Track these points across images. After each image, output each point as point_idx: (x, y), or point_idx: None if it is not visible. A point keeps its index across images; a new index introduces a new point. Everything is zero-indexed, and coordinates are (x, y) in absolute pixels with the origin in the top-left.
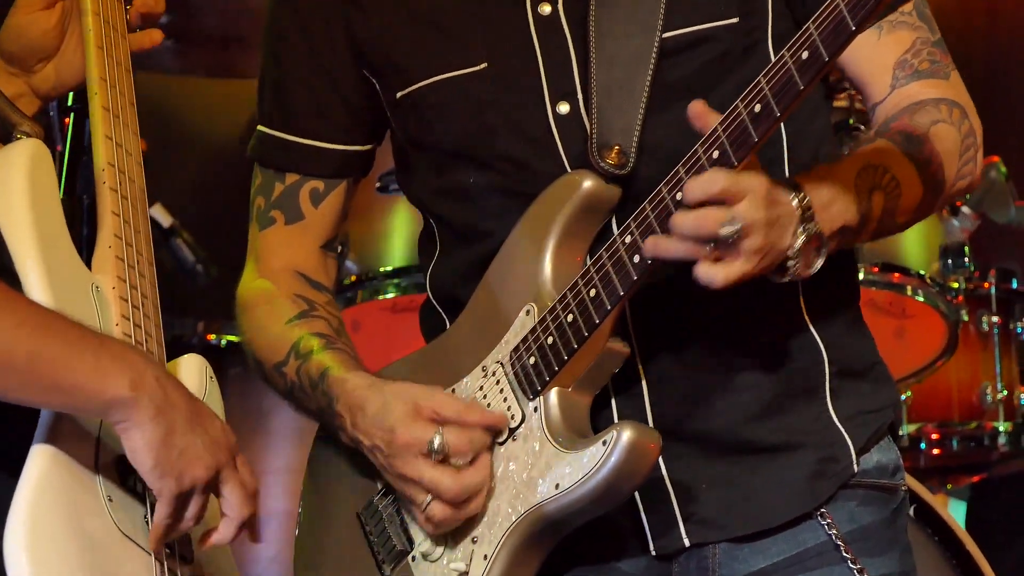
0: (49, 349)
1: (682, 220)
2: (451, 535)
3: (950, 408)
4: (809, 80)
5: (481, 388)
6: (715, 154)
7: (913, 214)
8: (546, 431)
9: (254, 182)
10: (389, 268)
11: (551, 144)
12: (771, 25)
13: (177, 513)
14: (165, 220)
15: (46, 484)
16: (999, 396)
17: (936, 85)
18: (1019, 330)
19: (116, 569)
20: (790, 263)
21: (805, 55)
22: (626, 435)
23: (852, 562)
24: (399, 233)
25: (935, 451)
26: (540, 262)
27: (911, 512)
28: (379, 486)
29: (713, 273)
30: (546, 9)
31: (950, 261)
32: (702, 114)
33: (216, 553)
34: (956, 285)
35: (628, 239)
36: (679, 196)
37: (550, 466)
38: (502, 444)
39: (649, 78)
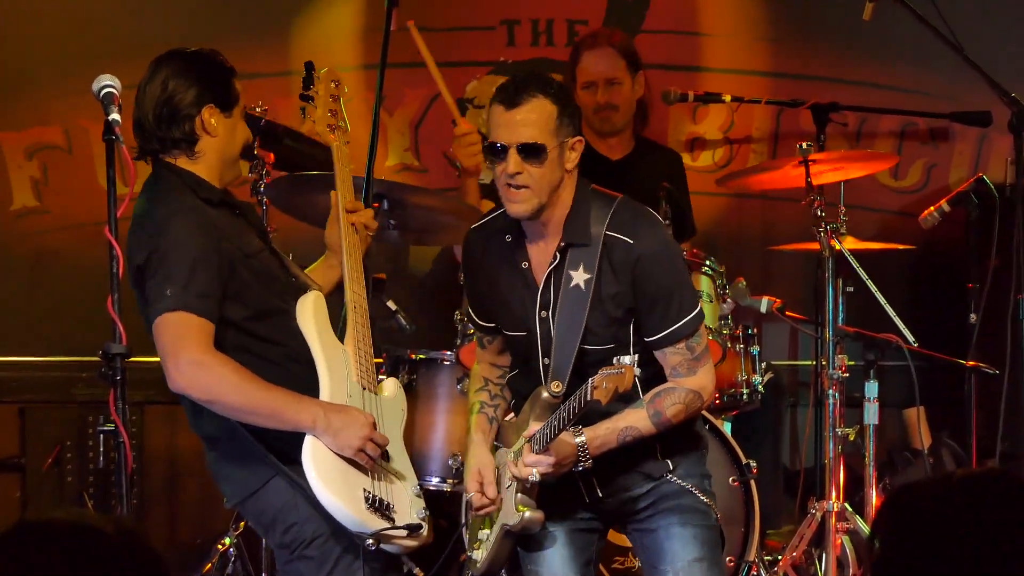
0: (275, 404)
1: (518, 467)
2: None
3: (724, 383)
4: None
5: (518, 448)
6: (542, 434)
7: (653, 436)
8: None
9: (473, 330)
10: None
11: (539, 366)
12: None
13: (360, 455)
14: (393, 305)
15: (315, 445)
16: (743, 378)
17: (688, 380)
18: (751, 351)
19: (351, 471)
20: (575, 469)
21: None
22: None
23: (679, 481)
24: None
25: (717, 402)
26: (532, 419)
27: (708, 428)
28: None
29: (525, 481)
30: (544, 314)
31: (723, 321)
32: (529, 432)
33: (398, 457)
34: (726, 331)
35: (555, 422)
36: (550, 426)
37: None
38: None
39: (573, 361)
